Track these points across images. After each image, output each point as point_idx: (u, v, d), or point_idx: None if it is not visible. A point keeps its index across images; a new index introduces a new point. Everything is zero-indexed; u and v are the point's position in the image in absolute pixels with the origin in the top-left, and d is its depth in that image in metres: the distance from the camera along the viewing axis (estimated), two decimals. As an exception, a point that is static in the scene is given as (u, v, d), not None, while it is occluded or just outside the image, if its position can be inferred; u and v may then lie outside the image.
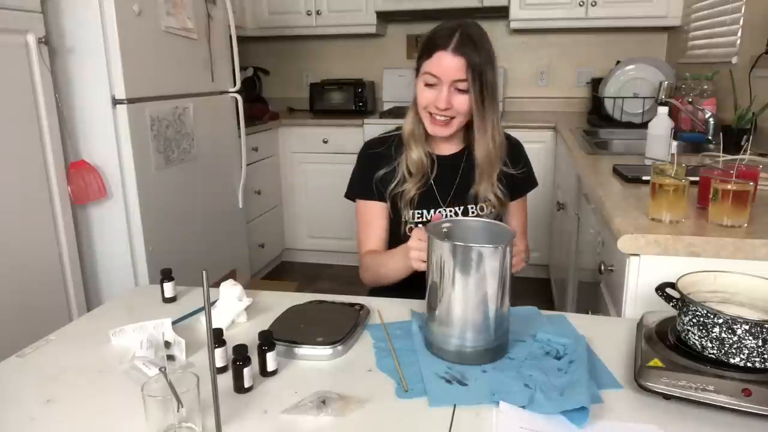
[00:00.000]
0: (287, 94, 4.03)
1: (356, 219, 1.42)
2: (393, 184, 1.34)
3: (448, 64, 1.21)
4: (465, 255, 0.87)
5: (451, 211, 1.36)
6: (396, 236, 1.38)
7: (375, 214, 1.38)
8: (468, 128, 1.33)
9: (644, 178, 1.44)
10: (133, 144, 2.09)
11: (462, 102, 1.25)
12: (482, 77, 1.22)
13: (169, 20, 2.26)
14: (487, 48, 1.24)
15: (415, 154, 1.33)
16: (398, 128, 1.40)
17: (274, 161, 3.50)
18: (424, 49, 1.27)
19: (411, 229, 1.36)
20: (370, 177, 1.37)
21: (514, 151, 1.40)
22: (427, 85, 1.26)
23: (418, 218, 1.36)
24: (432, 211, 1.36)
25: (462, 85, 1.23)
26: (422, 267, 1.10)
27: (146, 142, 2.16)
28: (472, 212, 1.36)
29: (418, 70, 1.30)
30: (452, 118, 1.27)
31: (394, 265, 1.25)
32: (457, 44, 1.21)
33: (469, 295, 0.88)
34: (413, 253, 1.10)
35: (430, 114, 1.28)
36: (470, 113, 1.27)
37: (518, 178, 1.39)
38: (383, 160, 1.37)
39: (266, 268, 3.55)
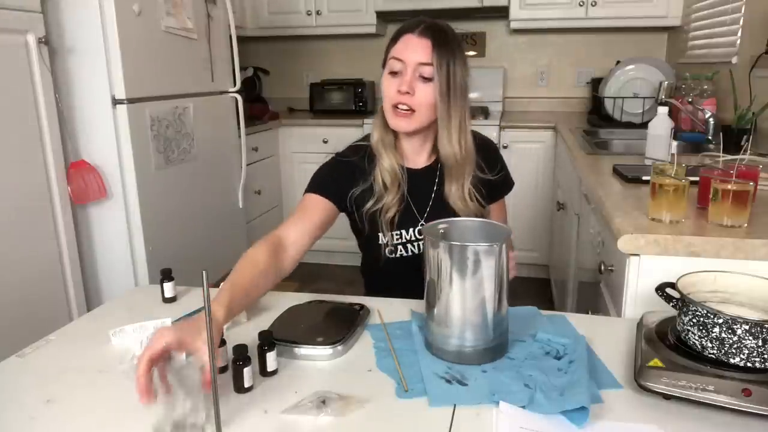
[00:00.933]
0: (287, 94, 4.03)
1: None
2: (371, 202, 1.24)
3: (413, 44, 1.16)
4: (461, 254, 0.87)
5: None
6: (376, 261, 1.29)
7: (317, 208, 1.20)
8: (437, 138, 1.24)
9: (644, 178, 1.44)
10: (133, 144, 2.09)
11: (425, 92, 1.16)
12: (449, 67, 1.16)
13: (169, 20, 2.26)
14: (455, 44, 1.19)
15: (386, 162, 1.23)
16: (367, 137, 1.30)
17: (274, 161, 3.50)
18: (391, 39, 1.22)
19: (391, 252, 1.27)
20: (331, 177, 1.25)
21: (490, 155, 1.33)
22: (392, 73, 1.18)
23: (398, 239, 1.27)
24: (411, 230, 1.27)
25: (427, 72, 1.15)
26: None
27: (146, 142, 2.16)
28: None
29: (384, 64, 1.23)
30: (413, 111, 1.18)
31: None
32: (424, 28, 1.16)
33: (466, 295, 0.88)
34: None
35: (393, 107, 1.19)
36: (434, 109, 1.18)
37: (495, 182, 1.32)
38: (356, 170, 1.26)
39: (266, 268, 3.54)
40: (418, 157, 1.29)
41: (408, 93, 1.16)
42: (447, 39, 1.17)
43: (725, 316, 0.76)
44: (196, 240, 2.50)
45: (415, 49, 1.16)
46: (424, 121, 1.20)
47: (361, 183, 1.25)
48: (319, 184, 1.24)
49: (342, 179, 1.26)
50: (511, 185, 1.41)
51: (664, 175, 1.16)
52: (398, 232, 1.27)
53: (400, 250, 1.28)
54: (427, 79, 1.16)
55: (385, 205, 1.24)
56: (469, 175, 1.25)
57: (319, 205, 1.21)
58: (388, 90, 1.19)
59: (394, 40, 1.20)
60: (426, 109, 1.19)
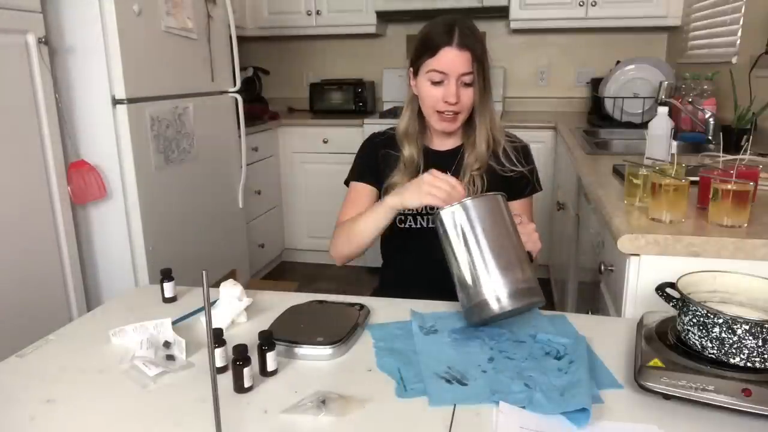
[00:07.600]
0: (287, 94, 4.03)
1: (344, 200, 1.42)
2: (387, 179, 1.37)
3: (455, 58, 1.23)
4: (465, 212, 0.97)
5: None
6: (389, 231, 1.32)
7: (364, 195, 1.39)
8: (466, 125, 1.35)
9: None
10: (133, 144, 2.09)
11: (468, 96, 1.27)
12: (485, 71, 1.27)
13: (169, 20, 2.26)
14: (482, 40, 1.29)
15: (407, 152, 1.36)
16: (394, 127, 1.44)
17: (274, 161, 3.50)
18: (424, 48, 1.27)
19: (401, 221, 1.37)
20: (367, 162, 1.41)
21: (522, 153, 1.39)
22: (433, 82, 1.27)
23: (408, 210, 1.33)
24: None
25: (467, 79, 1.25)
26: (431, 201, 1.08)
27: (146, 142, 2.16)
28: None
29: (416, 69, 1.31)
30: (458, 113, 1.29)
31: (374, 214, 1.21)
32: (461, 38, 1.23)
33: (483, 245, 0.96)
34: (426, 188, 1.08)
35: (438, 111, 1.29)
36: (473, 107, 1.30)
37: (512, 179, 1.36)
38: (389, 148, 1.39)
39: (266, 268, 3.55)
40: (444, 142, 1.40)
41: (456, 102, 1.26)
42: (482, 46, 1.26)
43: (725, 316, 0.76)
44: (196, 240, 2.50)
45: (457, 62, 1.24)
46: (464, 119, 1.33)
47: (392, 160, 1.38)
48: (356, 172, 1.42)
49: (369, 159, 1.41)
50: (532, 185, 1.42)
51: (664, 175, 1.16)
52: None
53: (410, 221, 1.37)
54: (467, 84, 1.27)
55: (394, 181, 1.35)
56: (484, 165, 1.33)
57: (363, 191, 1.40)
58: (432, 98, 1.28)
59: (431, 52, 1.25)
60: (468, 110, 1.31)
